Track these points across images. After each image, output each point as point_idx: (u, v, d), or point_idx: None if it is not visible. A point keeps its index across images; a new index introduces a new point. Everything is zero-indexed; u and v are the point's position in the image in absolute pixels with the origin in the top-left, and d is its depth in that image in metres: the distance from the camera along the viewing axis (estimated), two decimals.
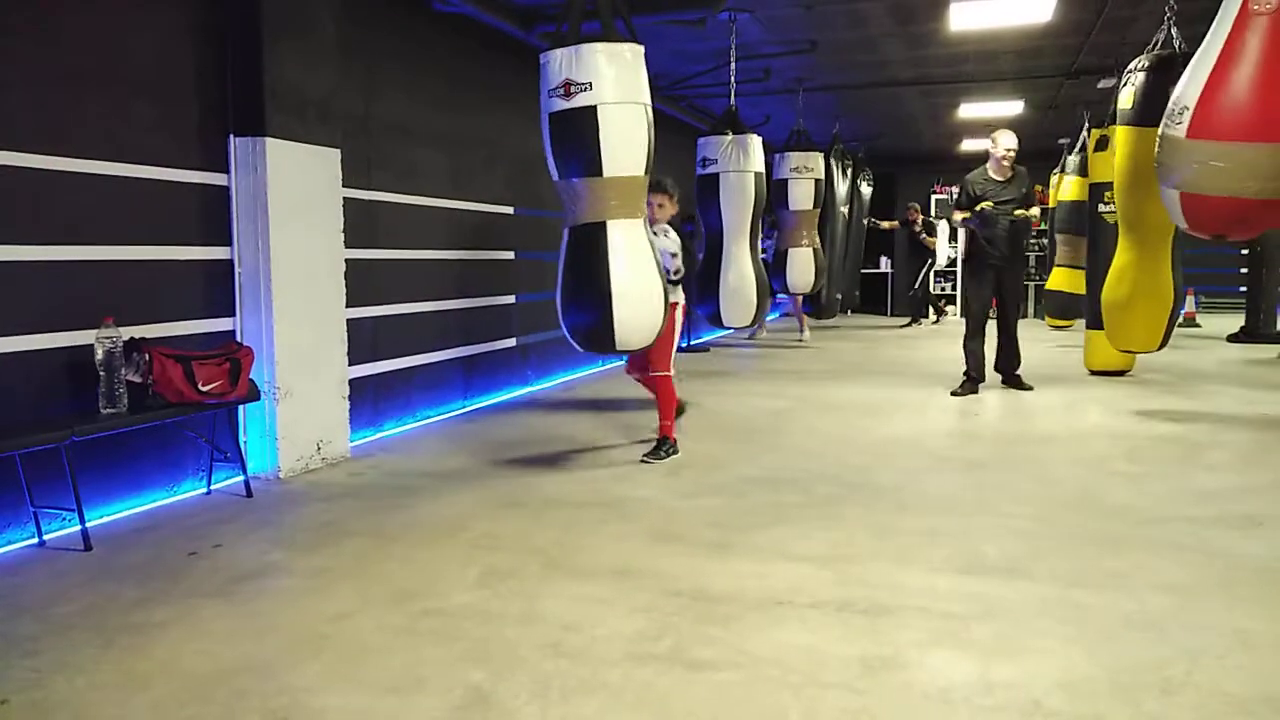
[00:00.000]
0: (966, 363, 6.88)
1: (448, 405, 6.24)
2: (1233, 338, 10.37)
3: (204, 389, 3.82)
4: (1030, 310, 15.30)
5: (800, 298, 10.83)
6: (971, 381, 6.89)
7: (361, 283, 5.10)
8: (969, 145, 13.85)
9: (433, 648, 2.55)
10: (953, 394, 6.80)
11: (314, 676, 2.39)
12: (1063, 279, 10.29)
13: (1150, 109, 5.38)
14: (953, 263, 15.01)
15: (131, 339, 3.71)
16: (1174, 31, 5.55)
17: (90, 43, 3.74)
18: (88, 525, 3.45)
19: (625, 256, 4.12)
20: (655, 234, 4.77)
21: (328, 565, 3.24)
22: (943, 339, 11.54)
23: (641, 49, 4.11)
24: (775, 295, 9.48)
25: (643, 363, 4.99)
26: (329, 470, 4.63)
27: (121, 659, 2.50)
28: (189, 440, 4.17)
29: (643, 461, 4.72)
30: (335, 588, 3.02)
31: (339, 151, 4.76)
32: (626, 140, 4.03)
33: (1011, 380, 6.98)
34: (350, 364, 4.93)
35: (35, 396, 3.55)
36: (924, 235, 13.05)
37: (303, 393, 4.53)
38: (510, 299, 6.98)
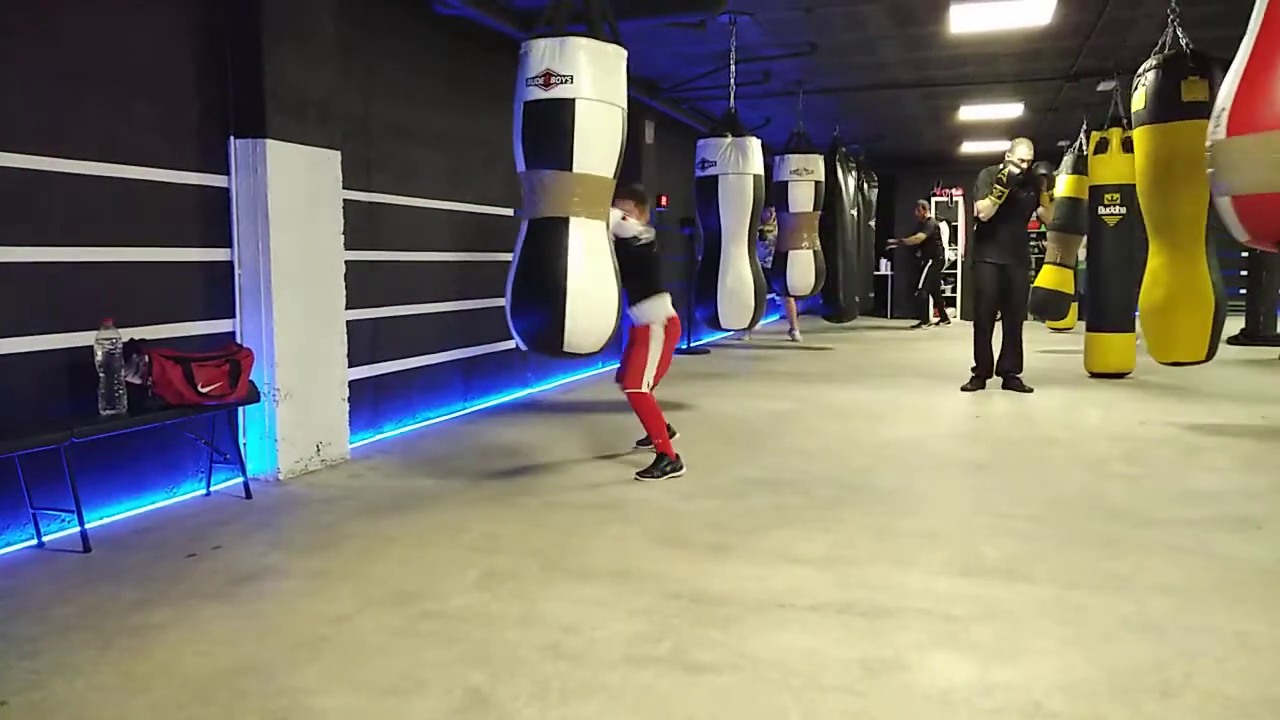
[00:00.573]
0: (975, 359, 7.07)
1: (448, 407, 6.24)
2: (1232, 340, 10.37)
3: (203, 390, 3.82)
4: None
5: (793, 299, 10.88)
6: (979, 378, 7.07)
7: (361, 284, 5.10)
8: (969, 148, 13.86)
9: (432, 649, 2.55)
10: (962, 389, 7.05)
11: (313, 678, 2.38)
12: (1049, 276, 10.28)
13: (1163, 105, 5.34)
14: (952, 264, 15.05)
15: (131, 340, 3.71)
16: (1179, 32, 5.54)
17: (90, 44, 3.74)
18: (87, 527, 3.44)
19: (584, 256, 3.98)
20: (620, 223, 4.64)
21: (327, 567, 3.24)
22: (942, 340, 11.55)
23: (624, 53, 4.07)
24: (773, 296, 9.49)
25: (619, 374, 4.83)
26: (328, 472, 4.63)
27: (121, 660, 2.49)
28: (188, 442, 4.17)
29: (636, 479, 4.48)
30: (335, 589, 3.02)
31: (339, 153, 4.76)
32: (600, 139, 3.96)
33: (1011, 383, 6.98)
34: (350, 365, 4.93)
35: (35, 398, 3.55)
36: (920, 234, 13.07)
37: (302, 394, 4.53)
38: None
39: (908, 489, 4.26)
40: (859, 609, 2.81)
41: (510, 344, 6.96)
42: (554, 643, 2.58)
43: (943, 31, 7.20)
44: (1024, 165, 6.73)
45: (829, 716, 2.17)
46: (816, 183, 9.04)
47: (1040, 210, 6.81)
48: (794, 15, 6.72)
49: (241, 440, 4.37)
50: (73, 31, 3.66)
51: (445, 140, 6.14)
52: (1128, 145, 7.17)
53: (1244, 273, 10.84)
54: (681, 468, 4.57)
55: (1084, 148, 9.01)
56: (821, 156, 9.20)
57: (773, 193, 8.84)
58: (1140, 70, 5.68)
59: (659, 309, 4.75)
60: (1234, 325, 10.88)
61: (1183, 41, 5.50)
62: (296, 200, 4.48)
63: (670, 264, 10.12)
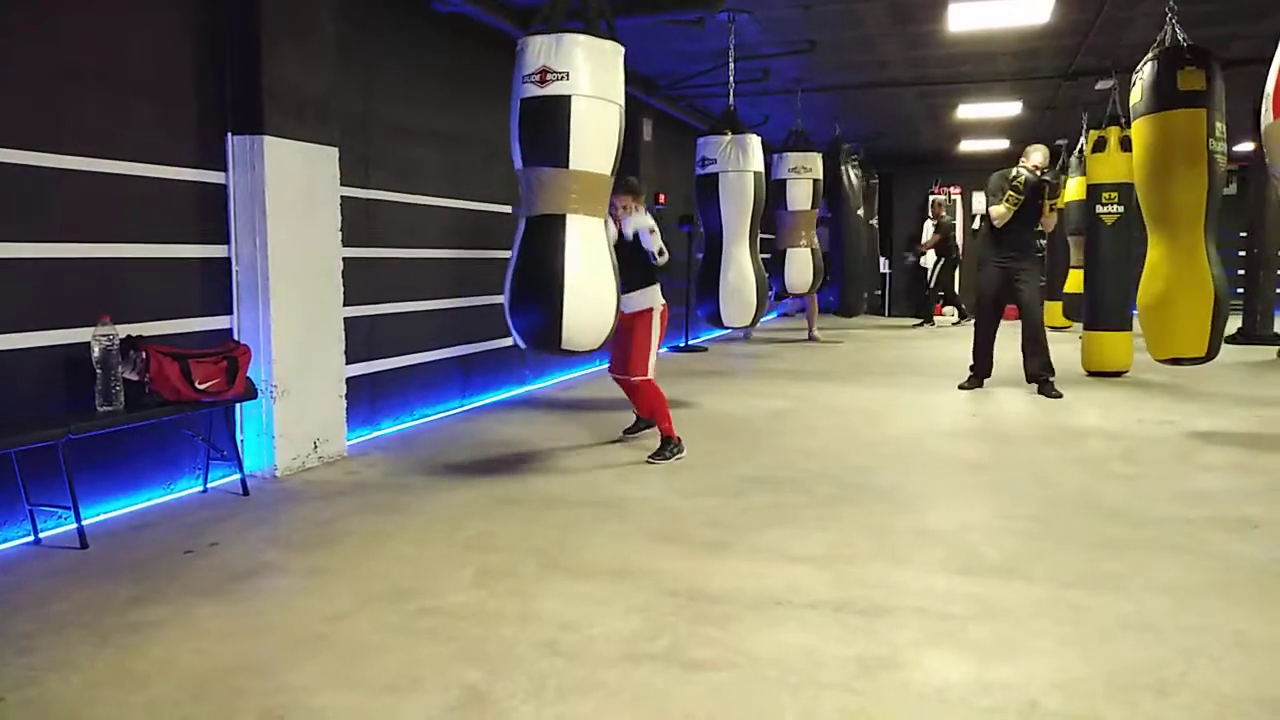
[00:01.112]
0: (973, 358, 7.09)
1: (445, 404, 6.23)
2: (1230, 340, 10.37)
3: (201, 387, 3.82)
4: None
5: (814, 297, 10.84)
6: (975, 377, 7.07)
7: (359, 281, 5.09)
8: (967, 146, 13.86)
9: (429, 647, 2.55)
10: (960, 387, 7.06)
11: (310, 675, 2.38)
12: (1076, 280, 10.26)
13: (1159, 95, 5.30)
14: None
15: (128, 337, 3.70)
16: (1176, 29, 5.53)
17: (90, 41, 3.73)
18: (84, 523, 3.44)
19: (582, 253, 3.97)
20: (627, 217, 4.75)
21: (324, 564, 3.24)
22: (941, 339, 11.55)
23: (622, 50, 4.06)
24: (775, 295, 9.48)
25: (621, 364, 4.95)
26: (326, 469, 4.62)
27: (117, 657, 2.49)
28: (186, 438, 4.16)
29: (648, 462, 4.68)
30: (332, 587, 3.01)
31: (337, 150, 4.75)
32: (596, 136, 3.95)
33: (1043, 388, 6.75)
34: (347, 362, 4.92)
35: (31, 394, 3.55)
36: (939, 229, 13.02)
37: (300, 391, 4.52)
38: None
39: (906, 487, 4.26)
40: (856, 607, 2.81)
41: (508, 341, 6.94)
42: (551, 640, 2.58)
43: (941, 30, 7.19)
44: (1039, 172, 6.65)
45: (826, 714, 2.18)
46: (815, 181, 9.04)
47: (1043, 219, 6.70)
48: (793, 13, 6.72)
49: (239, 437, 4.36)
50: (72, 29, 3.66)
51: (444, 137, 6.13)
52: (1126, 144, 7.16)
53: (1241, 272, 10.85)
54: (683, 452, 4.80)
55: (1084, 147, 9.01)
56: (820, 154, 9.20)
57: (771, 191, 8.84)
58: (1137, 67, 5.67)
59: (655, 295, 4.93)
60: (1232, 325, 10.90)
61: (1180, 38, 5.49)
62: (294, 197, 4.47)
63: (669, 261, 10.12)
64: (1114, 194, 7.48)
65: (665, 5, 5.90)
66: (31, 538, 3.48)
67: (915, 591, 2.94)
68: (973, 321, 11.86)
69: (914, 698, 2.26)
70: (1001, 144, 13.60)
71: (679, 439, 4.81)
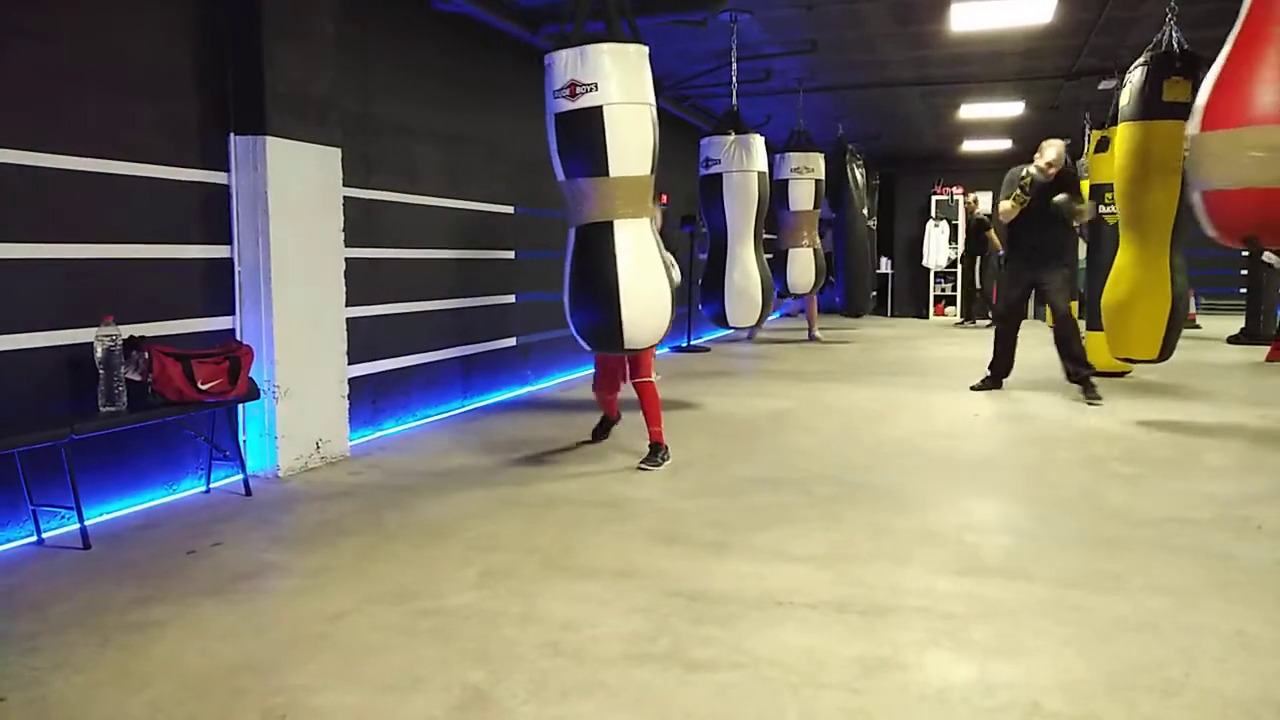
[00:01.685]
0: (992, 359, 6.97)
1: (447, 404, 6.24)
2: (1233, 339, 10.37)
3: (203, 387, 3.82)
4: (1031, 310, 15.28)
5: (814, 297, 10.83)
6: (992, 379, 6.96)
7: (361, 282, 5.10)
8: (970, 146, 13.86)
9: (431, 647, 2.55)
10: (971, 388, 6.98)
11: (312, 675, 2.39)
12: (1080, 281, 10.24)
13: (1144, 103, 5.37)
14: (952, 263, 15.05)
15: (131, 337, 3.71)
16: (1175, 32, 5.54)
17: (91, 41, 3.74)
18: (86, 523, 3.45)
19: (632, 256, 4.14)
20: None
21: (326, 564, 3.24)
22: (942, 339, 11.55)
23: (646, 49, 4.12)
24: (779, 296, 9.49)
25: (615, 381, 4.94)
26: (328, 469, 4.63)
27: (120, 657, 2.50)
28: (188, 439, 4.17)
29: (640, 469, 4.60)
30: (334, 587, 3.02)
31: (339, 151, 4.76)
32: (632, 140, 4.05)
33: (1085, 390, 6.56)
34: (350, 363, 4.93)
35: (35, 394, 3.55)
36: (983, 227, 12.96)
37: (302, 392, 4.53)
38: (510, 298, 6.98)
39: (907, 488, 4.26)
40: (857, 607, 2.81)
41: (510, 341, 6.97)
42: (553, 640, 2.58)
43: (944, 30, 7.19)
44: (1049, 169, 6.45)
45: (827, 714, 2.18)
46: (817, 181, 9.05)
47: (1077, 210, 6.46)
48: (795, 13, 6.72)
49: (241, 437, 4.37)
50: (74, 30, 3.66)
51: (445, 137, 6.14)
52: None
53: (1244, 272, 10.84)
54: (670, 457, 4.75)
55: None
56: (821, 154, 9.21)
57: (773, 191, 8.85)
58: (1130, 67, 5.69)
59: None
60: (1234, 325, 10.90)
61: (1176, 40, 5.50)
62: (297, 197, 4.48)
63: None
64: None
65: (668, 6, 5.91)
66: (34, 538, 3.48)
67: (917, 592, 2.94)
68: (978, 322, 11.79)
69: (915, 698, 2.26)
70: (1004, 144, 13.60)
71: (666, 445, 4.73)
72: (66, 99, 3.64)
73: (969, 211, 13.65)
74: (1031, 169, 6.52)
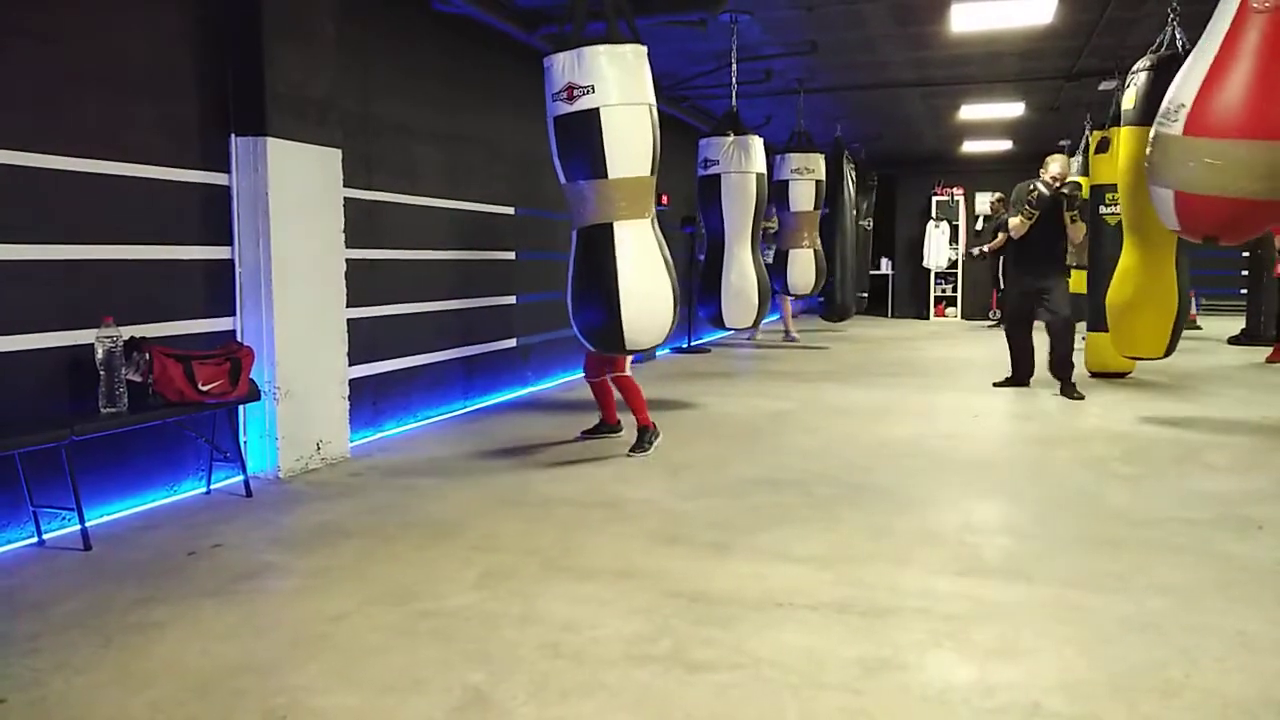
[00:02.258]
0: (1011, 364, 7.15)
1: (448, 405, 6.24)
2: (1233, 340, 10.37)
3: (204, 389, 3.82)
4: None
5: (788, 300, 10.90)
6: (1013, 379, 7.13)
7: (362, 283, 5.10)
8: (970, 147, 13.85)
9: (431, 648, 2.55)
10: (995, 385, 7.18)
11: (313, 676, 2.39)
12: (1082, 282, 10.24)
13: (1148, 109, 5.37)
14: (953, 264, 15.06)
15: (132, 338, 3.71)
16: (1177, 33, 5.53)
17: (92, 42, 3.74)
18: (87, 525, 3.45)
19: (633, 257, 4.15)
20: None
21: (327, 565, 3.24)
22: (943, 340, 11.55)
23: (645, 50, 4.11)
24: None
25: (600, 367, 5.07)
26: (329, 470, 4.63)
27: (121, 658, 2.50)
28: (189, 440, 4.17)
29: (629, 455, 4.78)
30: (334, 588, 3.02)
31: (340, 151, 4.76)
32: (630, 141, 4.05)
33: (1063, 389, 6.73)
34: (350, 364, 4.93)
35: (35, 395, 3.55)
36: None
37: (303, 393, 4.53)
38: (511, 299, 6.98)
39: (907, 488, 4.26)
40: (858, 608, 2.81)
41: (511, 342, 6.97)
42: (553, 641, 2.58)
43: (944, 30, 7.19)
44: (1055, 184, 6.61)
45: (827, 715, 2.18)
46: (817, 182, 9.04)
47: (1070, 232, 6.54)
48: (795, 14, 6.72)
49: (242, 438, 4.37)
50: (74, 31, 3.67)
51: (445, 138, 6.14)
52: None
53: (1244, 273, 10.83)
54: (659, 434, 4.92)
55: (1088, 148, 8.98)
56: (822, 155, 9.20)
57: (774, 192, 8.85)
58: (1132, 69, 5.69)
59: None
60: (1234, 326, 10.90)
61: (1179, 42, 5.49)
62: (297, 198, 4.48)
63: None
64: (1116, 195, 7.46)
65: (668, 6, 5.91)
66: (35, 539, 3.49)
67: (917, 592, 2.94)
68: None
69: (916, 699, 2.26)
70: (1004, 145, 13.60)
71: (654, 424, 4.93)
72: (67, 100, 3.65)
73: (995, 213, 13.59)
74: (1038, 186, 6.64)
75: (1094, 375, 7.64)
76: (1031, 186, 6.69)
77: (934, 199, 15.17)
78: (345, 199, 4.85)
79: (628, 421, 5.16)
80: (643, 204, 4.19)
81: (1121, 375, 7.57)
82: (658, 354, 9.59)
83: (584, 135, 4.02)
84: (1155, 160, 4.59)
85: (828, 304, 11.24)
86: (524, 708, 2.21)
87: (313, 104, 4.57)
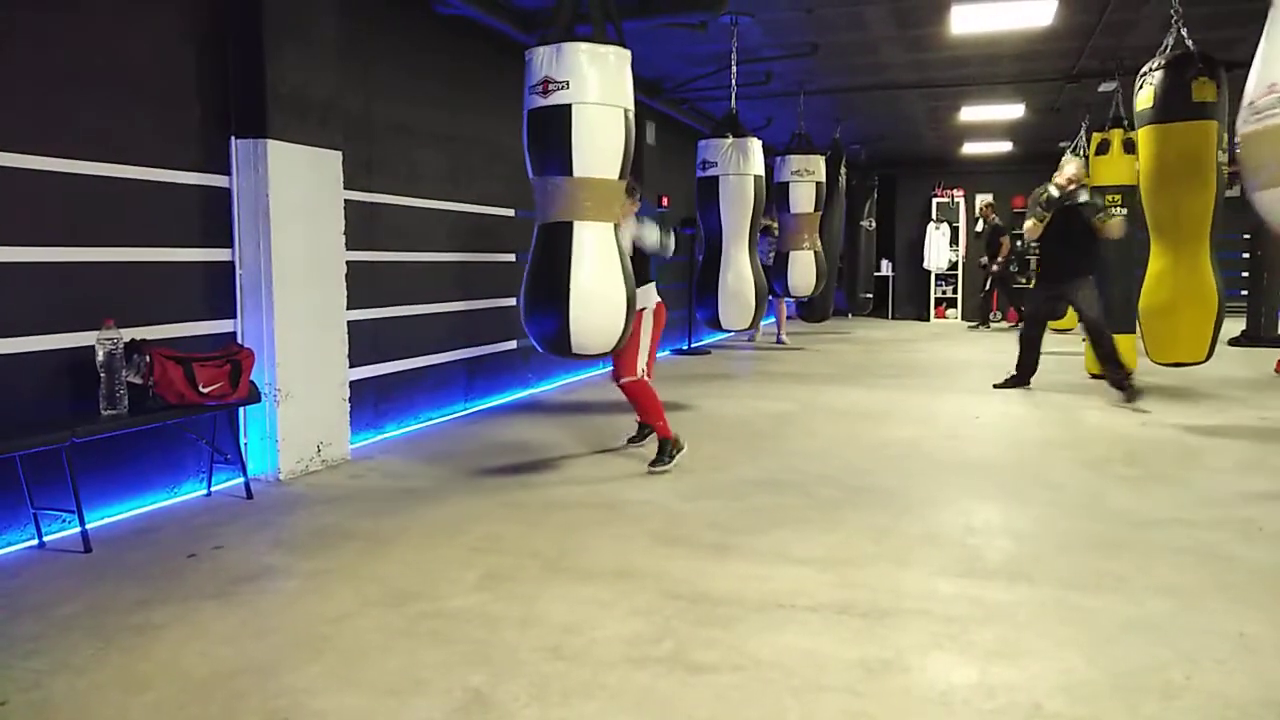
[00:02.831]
0: (1017, 362, 7.14)
1: (449, 407, 6.24)
2: (1234, 341, 10.37)
3: (204, 390, 3.82)
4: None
5: (782, 303, 10.92)
6: (1017, 378, 7.14)
7: (362, 285, 5.10)
8: (970, 148, 13.85)
9: (432, 650, 2.55)
10: (994, 386, 7.21)
11: (313, 678, 2.38)
12: None
13: (1172, 105, 5.29)
14: (953, 266, 15.06)
15: (132, 340, 3.71)
16: (1184, 33, 5.51)
17: (92, 45, 3.74)
18: (88, 527, 3.44)
19: (590, 258, 4.01)
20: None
21: (328, 567, 3.24)
22: (944, 341, 11.55)
23: (628, 54, 4.07)
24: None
25: (615, 368, 4.89)
26: (329, 472, 4.63)
27: (121, 660, 2.50)
28: (189, 442, 4.17)
29: (650, 472, 4.58)
30: (335, 589, 3.02)
31: (340, 153, 4.77)
32: (600, 142, 3.96)
33: (1125, 395, 6.48)
34: (351, 366, 4.93)
35: (36, 398, 3.55)
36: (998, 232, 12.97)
37: (303, 395, 4.53)
38: (511, 301, 6.96)
39: (908, 490, 4.25)
40: (859, 610, 2.81)
41: (512, 344, 6.97)
42: (554, 643, 2.58)
43: (944, 32, 7.19)
44: (1069, 187, 6.56)
45: (829, 717, 2.17)
46: (818, 183, 9.04)
47: (1104, 230, 6.45)
48: (795, 16, 6.72)
49: (242, 440, 4.37)
50: (75, 33, 3.67)
51: (446, 140, 6.14)
52: (1129, 147, 7.15)
53: (1245, 274, 10.83)
54: (683, 447, 4.72)
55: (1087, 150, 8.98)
56: (822, 157, 9.20)
57: (774, 193, 8.84)
58: (1144, 70, 5.62)
59: (648, 295, 4.84)
60: (1235, 327, 10.89)
61: (1188, 43, 5.47)
62: (298, 200, 4.48)
63: (671, 264, 10.13)
64: (1117, 196, 7.46)
65: (668, 8, 5.91)
66: (36, 541, 3.48)
67: (918, 594, 2.94)
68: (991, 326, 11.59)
69: (917, 700, 2.25)
70: (1004, 146, 13.60)
71: (676, 438, 4.69)
72: (68, 102, 3.65)
73: (985, 217, 13.61)
74: (1050, 188, 6.64)
75: (1094, 377, 7.64)
76: (1044, 190, 6.69)
77: (934, 200, 15.17)
78: (346, 201, 4.85)
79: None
80: (607, 207, 4.08)
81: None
82: (658, 355, 9.59)
83: (554, 130, 3.95)
84: (1254, 164, 3.91)
85: (807, 305, 11.27)
86: (525, 709, 2.21)
87: (313, 106, 4.57)
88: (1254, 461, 4.82)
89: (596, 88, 3.92)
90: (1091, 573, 3.13)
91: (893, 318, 15.66)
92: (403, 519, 3.82)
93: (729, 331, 8.08)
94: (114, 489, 3.86)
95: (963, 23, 6.91)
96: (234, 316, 4.40)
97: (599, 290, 4.02)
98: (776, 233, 9.88)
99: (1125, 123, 7.35)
